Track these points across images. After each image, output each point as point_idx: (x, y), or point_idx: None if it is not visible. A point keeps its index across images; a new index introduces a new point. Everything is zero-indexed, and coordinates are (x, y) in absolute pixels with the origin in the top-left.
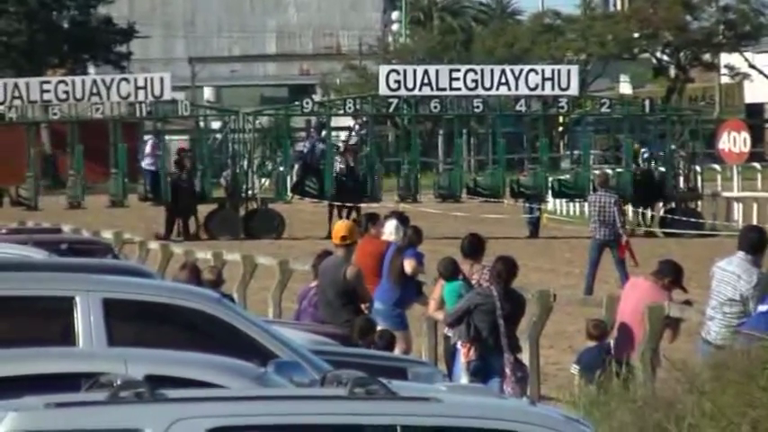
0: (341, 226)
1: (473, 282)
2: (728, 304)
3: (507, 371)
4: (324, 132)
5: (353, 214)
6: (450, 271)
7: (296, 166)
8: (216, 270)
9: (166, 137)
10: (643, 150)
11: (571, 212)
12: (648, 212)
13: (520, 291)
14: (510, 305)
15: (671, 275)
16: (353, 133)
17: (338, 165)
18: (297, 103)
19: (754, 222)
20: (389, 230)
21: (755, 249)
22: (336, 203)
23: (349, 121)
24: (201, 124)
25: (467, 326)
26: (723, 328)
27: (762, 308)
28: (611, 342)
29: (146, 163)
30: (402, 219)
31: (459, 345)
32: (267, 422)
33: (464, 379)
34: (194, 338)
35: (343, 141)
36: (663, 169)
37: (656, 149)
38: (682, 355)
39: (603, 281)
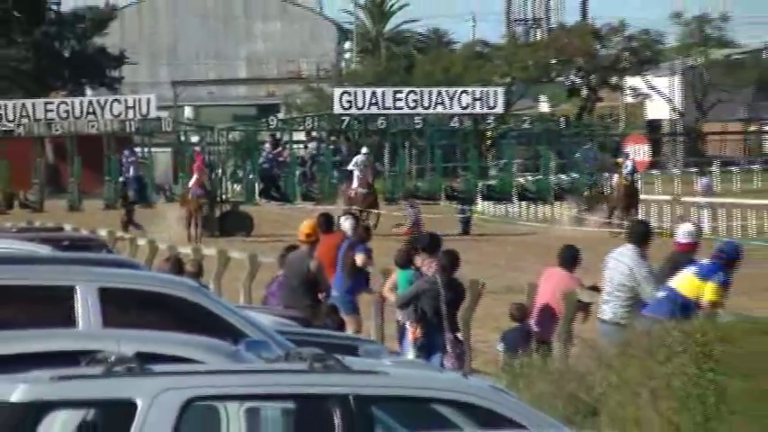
0: (306, 225)
1: (424, 271)
2: (622, 290)
3: (448, 348)
4: (279, 148)
5: (371, 218)
6: (403, 260)
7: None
8: (197, 263)
9: (152, 149)
10: (627, 163)
11: (497, 213)
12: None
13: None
14: (452, 292)
15: (570, 257)
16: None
17: (357, 178)
18: (263, 120)
19: (652, 220)
20: (346, 227)
21: (641, 241)
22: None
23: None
24: (182, 138)
25: (414, 308)
26: (619, 308)
27: (659, 294)
28: (532, 323)
29: (131, 171)
30: (355, 218)
31: (407, 324)
32: (239, 392)
33: (411, 354)
34: (177, 321)
35: (362, 162)
36: (576, 175)
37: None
38: (592, 334)
39: (523, 270)
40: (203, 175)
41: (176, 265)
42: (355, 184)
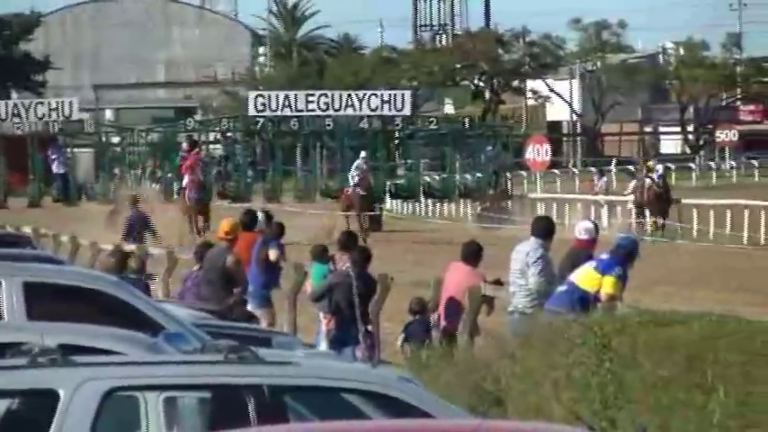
0: (225, 224)
1: (339, 267)
2: (522, 278)
3: (360, 339)
4: (196, 149)
5: (365, 220)
6: (318, 253)
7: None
8: (140, 260)
9: (75, 149)
10: (657, 167)
11: (405, 211)
12: (661, 220)
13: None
14: (364, 286)
15: (473, 253)
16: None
17: (355, 180)
18: (181, 122)
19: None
20: (260, 221)
21: (543, 235)
22: (351, 212)
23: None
24: (103, 139)
25: (328, 301)
26: (522, 298)
27: (561, 288)
28: (434, 316)
29: (55, 167)
30: (267, 216)
31: (321, 316)
32: (158, 382)
33: (324, 345)
34: (98, 314)
35: (360, 166)
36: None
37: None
38: (497, 326)
39: (429, 265)
40: (199, 173)
41: (121, 261)
42: (354, 182)
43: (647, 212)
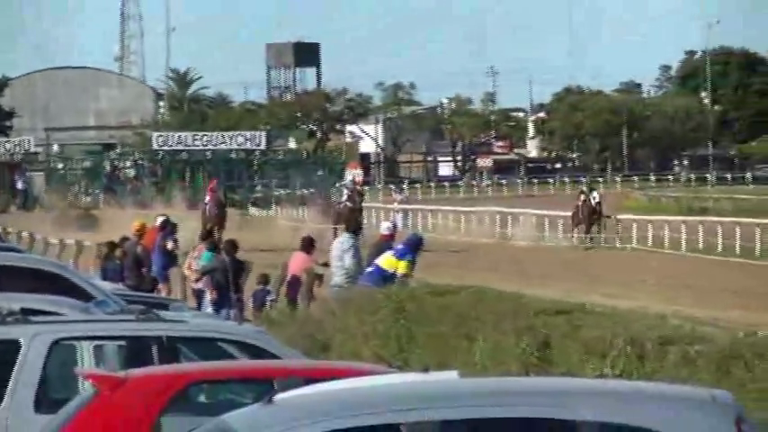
0: (136, 224)
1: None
2: (341, 262)
3: (232, 304)
4: (116, 172)
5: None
6: (210, 244)
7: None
8: (122, 251)
9: (32, 173)
10: (594, 194)
11: (262, 214)
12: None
13: (242, 259)
14: (236, 267)
15: (308, 243)
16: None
17: (345, 195)
18: (106, 153)
19: (365, 219)
20: (159, 221)
21: (352, 230)
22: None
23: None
24: (52, 165)
25: (211, 278)
26: (341, 276)
27: (369, 269)
28: (283, 288)
29: (19, 185)
30: (167, 219)
31: (207, 289)
32: (89, 334)
33: (209, 309)
34: (48, 287)
35: (349, 186)
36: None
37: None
38: (325, 294)
39: (279, 253)
40: (218, 194)
41: (110, 251)
42: (344, 198)
43: (582, 227)
